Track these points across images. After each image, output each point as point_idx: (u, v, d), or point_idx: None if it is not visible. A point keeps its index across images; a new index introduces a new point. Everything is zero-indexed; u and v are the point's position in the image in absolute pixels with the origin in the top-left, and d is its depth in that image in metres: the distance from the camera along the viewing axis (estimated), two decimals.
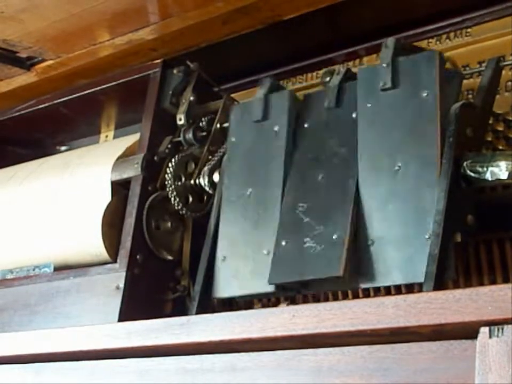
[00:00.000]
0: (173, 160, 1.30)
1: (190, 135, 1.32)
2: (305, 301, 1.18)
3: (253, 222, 1.17)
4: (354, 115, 1.12)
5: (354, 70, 1.25)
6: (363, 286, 1.05)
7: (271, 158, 1.18)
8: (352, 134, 1.11)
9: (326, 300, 1.15)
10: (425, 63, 1.07)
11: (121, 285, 1.23)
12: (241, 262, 1.16)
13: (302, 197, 1.12)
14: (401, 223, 1.02)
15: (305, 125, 1.17)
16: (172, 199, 1.29)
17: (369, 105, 1.10)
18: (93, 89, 1.49)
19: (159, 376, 1.05)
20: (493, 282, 1.07)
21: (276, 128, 1.19)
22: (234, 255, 1.17)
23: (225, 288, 1.17)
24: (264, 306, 1.19)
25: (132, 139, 1.39)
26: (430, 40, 1.29)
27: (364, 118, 1.10)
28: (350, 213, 1.06)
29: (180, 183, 1.30)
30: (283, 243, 1.11)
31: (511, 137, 1.14)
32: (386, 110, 1.08)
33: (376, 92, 1.09)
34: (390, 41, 1.11)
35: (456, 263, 1.00)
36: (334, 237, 1.06)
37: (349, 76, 1.16)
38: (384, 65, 1.09)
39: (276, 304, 1.18)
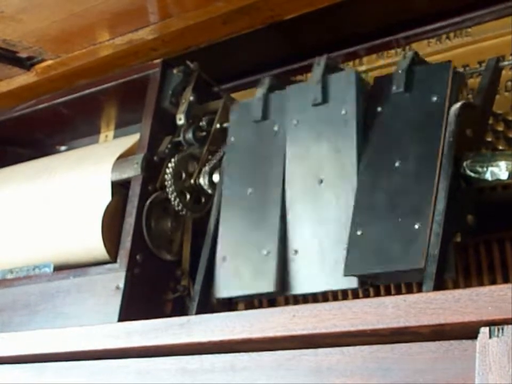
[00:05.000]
0: (172, 160, 1.30)
1: (189, 135, 1.32)
2: (305, 301, 1.18)
3: (253, 222, 1.17)
4: (343, 112, 1.12)
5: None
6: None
7: (270, 158, 1.18)
8: (345, 131, 1.11)
9: (326, 300, 1.15)
10: (439, 71, 1.07)
11: (121, 285, 1.23)
12: (241, 262, 1.16)
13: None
14: (399, 220, 1.02)
15: (294, 122, 1.17)
16: (172, 199, 1.29)
17: (379, 109, 1.10)
18: (92, 89, 1.49)
19: (159, 376, 1.05)
20: (493, 282, 1.07)
21: (276, 128, 1.19)
22: (235, 255, 1.17)
23: (225, 288, 1.17)
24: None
25: (131, 139, 1.39)
26: (430, 40, 1.28)
27: (373, 121, 1.10)
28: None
29: (179, 183, 1.30)
30: (293, 252, 1.12)
31: (511, 137, 1.14)
32: (395, 113, 1.08)
33: (388, 96, 1.10)
34: (409, 54, 1.12)
35: (456, 263, 1.00)
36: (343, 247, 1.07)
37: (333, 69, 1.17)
38: (400, 71, 1.10)
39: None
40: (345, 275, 1.04)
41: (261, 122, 1.21)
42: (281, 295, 1.15)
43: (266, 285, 1.12)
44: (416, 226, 0.99)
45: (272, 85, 1.23)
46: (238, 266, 1.16)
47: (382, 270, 1.01)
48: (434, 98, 1.05)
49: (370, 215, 1.04)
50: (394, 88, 1.10)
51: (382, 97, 1.11)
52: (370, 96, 1.12)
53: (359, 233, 1.04)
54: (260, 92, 1.22)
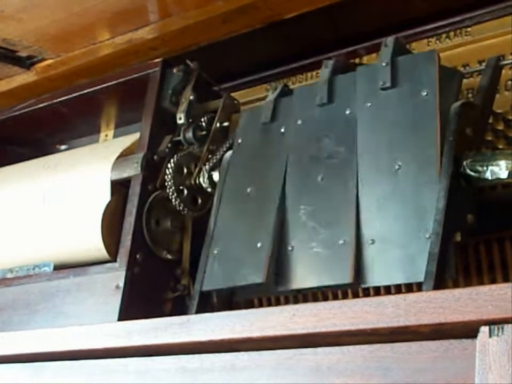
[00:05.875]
0: (172, 159, 1.30)
1: (189, 134, 1.32)
2: (305, 300, 1.18)
3: (250, 219, 1.16)
4: (348, 111, 1.12)
5: None
6: (364, 285, 1.05)
7: (273, 158, 1.18)
8: (348, 131, 1.11)
9: (326, 299, 1.15)
10: (424, 62, 1.07)
11: (121, 284, 1.23)
12: (232, 256, 1.15)
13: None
14: (401, 223, 1.02)
15: (298, 122, 1.18)
16: (172, 198, 1.29)
17: (368, 104, 1.10)
18: (92, 89, 1.49)
19: (159, 376, 1.05)
20: (493, 281, 1.07)
21: (283, 129, 1.19)
22: (227, 249, 1.16)
23: (213, 280, 1.16)
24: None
25: (131, 138, 1.39)
26: (430, 39, 1.29)
27: (363, 117, 1.10)
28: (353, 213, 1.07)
29: (179, 182, 1.30)
30: (289, 248, 1.11)
31: (511, 136, 1.14)
32: (385, 109, 1.08)
33: (376, 91, 1.09)
34: (390, 40, 1.11)
35: (456, 262, 1.00)
36: (340, 242, 1.06)
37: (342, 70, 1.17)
38: (384, 64, 1.09)
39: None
40: (363, 285, 1.04)
41: (269, 124, 1.21)
42: (277, 291, 1.15)
43: (256, 276, 1.11)
44: (427, 235, 0.98)
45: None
46: (229, 259, 1.15)
47: (404, 281, 1.01)
48: (424, 93, 1.05)
49: (377, 219, 1.04)
50: (380, 83, 1.09)
51: (368, 91, 1.10)
52: (357, 90, 1.12)
53: (370, 241, 1.04)
54: (271, 96, 1.22)
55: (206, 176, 1.28)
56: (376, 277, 1.02)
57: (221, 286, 1.16)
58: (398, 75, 1.08)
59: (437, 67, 1.05)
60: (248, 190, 1.19)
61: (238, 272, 1.13)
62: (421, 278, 0.97)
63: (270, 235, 1.12)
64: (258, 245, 1.13)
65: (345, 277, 1.04)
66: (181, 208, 1.29)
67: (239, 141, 1.24)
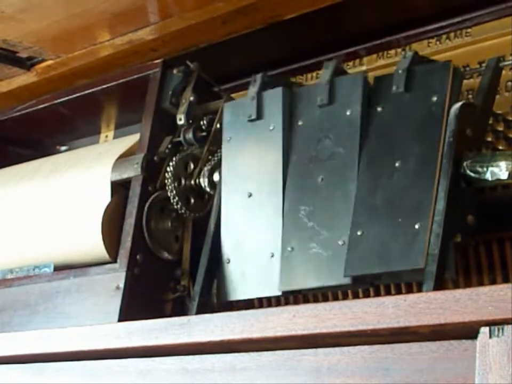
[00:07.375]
0: (173, 160, 1.30)
1: (190, 135, 1.32)
2: (305, 301, 1.18)
3: (255, 223, 1.17)
4: (348, 112, 1.12)
5: (354, 69, 1.27)
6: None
7: (269, 158, 1.18)
8: (349, 132, 1.11)
9: (326, 300, 1.15)
10: (439, 71, 1.07)
11: (121, 285, 1.24)
12: (246, 265, 1.16)
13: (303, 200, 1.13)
14: (399, 220, 1.02)
15: (299, 123, 1.17)
16: (172, 199, 1.29)
17: (379, 109, 1.10)
18: (93, 89, 1.49)
19: (159, 376, 1.05)
20: (493, 282, 1.07)
21: (271, 127, 1.19)
22: (239, 258, 1.17)
23: (232, 291, 1.17)
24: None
25: (132, 139, 1.39)
26: (430, 40, 1.29)
27: (372, 121, 1.10)
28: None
29: (179, 183, 1.30)
30: (288, 248, 1.11)
31: (511, 137, 1.15)
32: (394, 113, 1.08)
33: (389, 96, 1.10)
34: (409, 53, 1.12)
35: (456, 263, 1.00)
36: (339, 242, 1.06)
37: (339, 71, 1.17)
38: (400, 71, 1.10)
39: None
40: (345, 275, 1.04)
41: (256, 121, 1.21)
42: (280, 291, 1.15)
43: (273, 289, 1.12)
44: (417, 226, 0.99)
45: (264, 82, 1.22)
46: (243, 269, 1.16)
47: (382, 270, 1.02)
48: (435, 98, 1.06)
49: (371, 215, 1.04)
50: (394, 88, 1.10)
51: (382, 97, 1.11)
52: (371, 96, 1.12)
53: (359, 233, 1.04)
54: (252, 90, 1.22)
55: (206, 177, 1.28)
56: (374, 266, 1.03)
57: (240, 298, 1.17)
58: (413, 82, 1.09)
59: (450, 75, 1.06)
60: (249, 192, 1.19)
61: (255, 284, 1.15)
62: (420, 265, 0.97)
63: (279, 242, 1.13)
64: (269, 254, 1.13)
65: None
66: (180, 209, 1.29)
67: (228, 138, 1.24)
